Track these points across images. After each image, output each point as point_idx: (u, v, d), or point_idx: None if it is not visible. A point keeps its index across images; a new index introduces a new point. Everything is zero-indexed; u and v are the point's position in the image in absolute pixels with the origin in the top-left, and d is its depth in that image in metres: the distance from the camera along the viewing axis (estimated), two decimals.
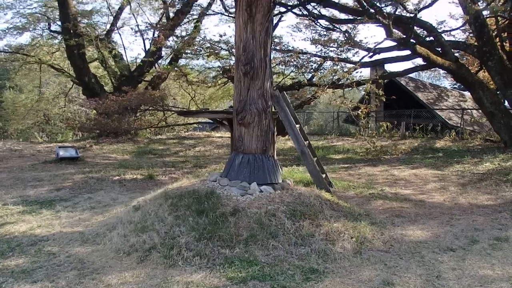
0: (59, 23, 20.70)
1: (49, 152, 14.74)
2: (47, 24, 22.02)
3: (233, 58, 13.49)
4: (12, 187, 9.06)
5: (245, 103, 6.41)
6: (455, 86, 29.24)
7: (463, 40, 16.71)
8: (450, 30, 16.03)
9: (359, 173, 10.92)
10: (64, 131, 25.39)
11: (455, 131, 16.71)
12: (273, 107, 6.95)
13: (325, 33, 17.74)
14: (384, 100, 12.64)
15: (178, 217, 5.43)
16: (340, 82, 14.18)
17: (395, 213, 6.68)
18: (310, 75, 17.12)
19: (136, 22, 23.92)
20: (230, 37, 17.50)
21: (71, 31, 18.78)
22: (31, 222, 6.36)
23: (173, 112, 20.98)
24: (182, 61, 22.57)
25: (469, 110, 20.81)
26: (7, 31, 21.03)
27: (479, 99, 13.39)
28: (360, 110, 11.45)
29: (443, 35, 14.44)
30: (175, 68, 20.97)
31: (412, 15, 13.23)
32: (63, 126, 24.80)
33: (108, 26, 22.74)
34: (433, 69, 18.87)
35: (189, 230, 5.10)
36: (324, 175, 8.01)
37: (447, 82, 34.64)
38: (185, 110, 19.94)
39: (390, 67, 20.30)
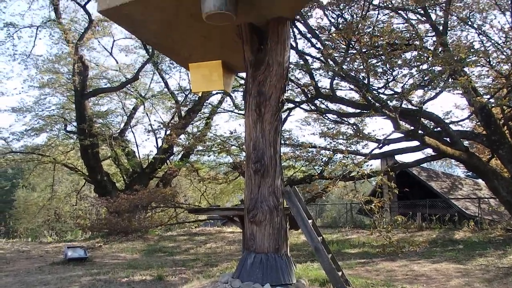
0: (75, 123, 21.51)
1: (57, 253, 14.47)
2: (63, 125, 22.90)
3: (244, 153, 13.63)
4: None
5: (256, 200, 6.32)
6: (468, 174, 29.04)
7: (470, 129, 16.82)
8: (458, 121, 16.04)
9: (377, 268, 10.42)
10: (74, 229, 25.21)
11: (473, 221, 16.21)
12: (284, 202, 6.84)
13: (333, 126, 18.05)
14: (397, 192, 12.45)
15: None
16: (351, 175, 14.11)
17: None
18: (321, 168, 17.15)
19: (149, 120, 24.88)
20: (240, 133, 17.87)
21: (86, 131, 19.42)
22: None
23: (184, 210, 20.84)
24: (193, 157, 22.93)
25: (485, 199, 20.37)
26: (25, 132, 21.80)
27: (494, 188, 13.16)
28: (373, 204, 11.24)
29: (450, 125, 14.57)
30: (186, 164, 21.22)
31: (417, 107, 13.48)
32: (73, 224, 24.67)
33: (122, 125, 23.64)
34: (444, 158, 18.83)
35: None
36: (340, 273, 7.63)
37: (459, 170, 34.52)
38: (196, 208, 19.82)
39: (401, 157, 20.38)
